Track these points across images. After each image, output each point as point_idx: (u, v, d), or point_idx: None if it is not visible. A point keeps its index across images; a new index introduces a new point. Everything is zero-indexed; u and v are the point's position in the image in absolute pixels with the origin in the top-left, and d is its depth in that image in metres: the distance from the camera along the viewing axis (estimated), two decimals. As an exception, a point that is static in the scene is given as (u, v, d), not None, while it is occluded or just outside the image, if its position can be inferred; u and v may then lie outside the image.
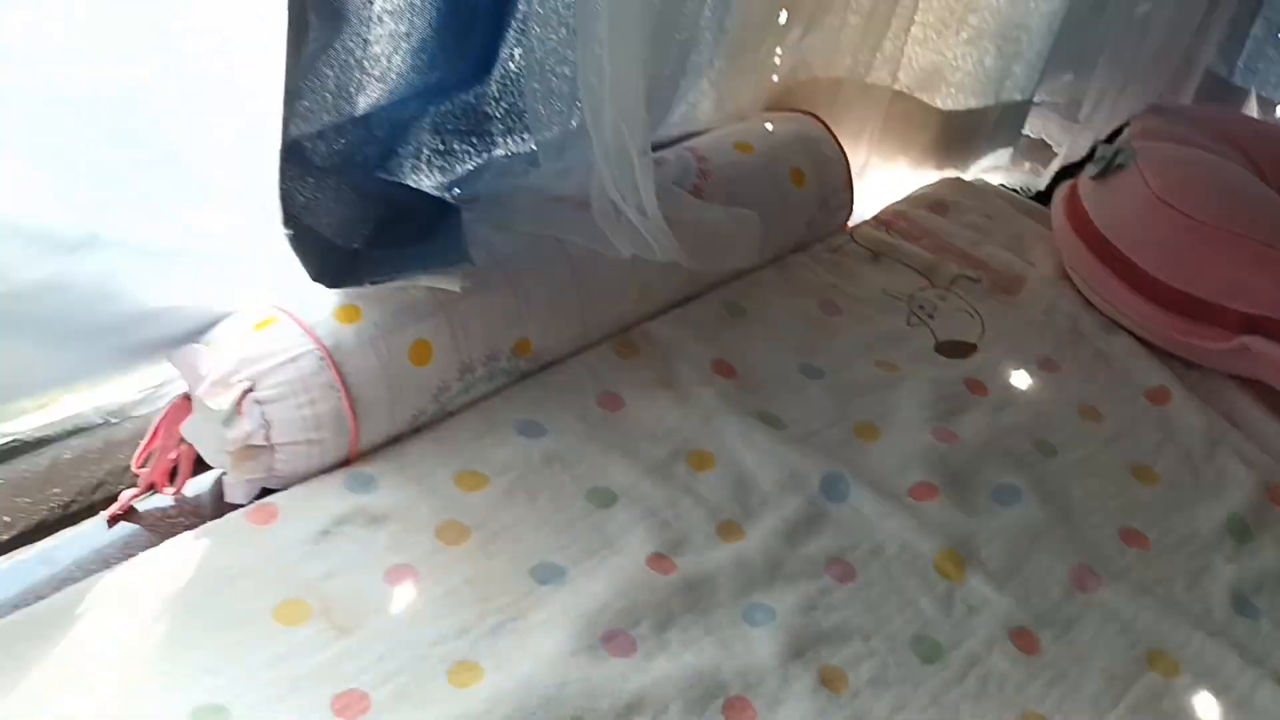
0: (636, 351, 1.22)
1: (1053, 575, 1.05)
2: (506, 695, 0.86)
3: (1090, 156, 1.52)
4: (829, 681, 0.93)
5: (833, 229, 1.49)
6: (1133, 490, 1.17)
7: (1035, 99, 1.73)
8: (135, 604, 0.89)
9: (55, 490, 1.01)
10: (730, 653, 0.93)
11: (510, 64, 1.16)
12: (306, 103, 0.98)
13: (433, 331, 1.06)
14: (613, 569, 0.98)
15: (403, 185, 1.13)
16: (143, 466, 1.02)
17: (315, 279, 1.01)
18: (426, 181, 1.19)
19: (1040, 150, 1.78)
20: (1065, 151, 1.71)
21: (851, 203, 1.50)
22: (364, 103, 1.03)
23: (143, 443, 1.02)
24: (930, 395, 1.24)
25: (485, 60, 1.15)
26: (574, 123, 1.16)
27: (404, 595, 0.93)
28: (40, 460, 1.02)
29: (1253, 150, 1.47)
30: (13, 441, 1.02)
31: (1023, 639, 0.99)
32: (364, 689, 0.86)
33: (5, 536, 0.98)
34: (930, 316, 1.36)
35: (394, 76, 1.04)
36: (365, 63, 1.01)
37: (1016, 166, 1.72)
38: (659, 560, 1.00)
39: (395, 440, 1.07)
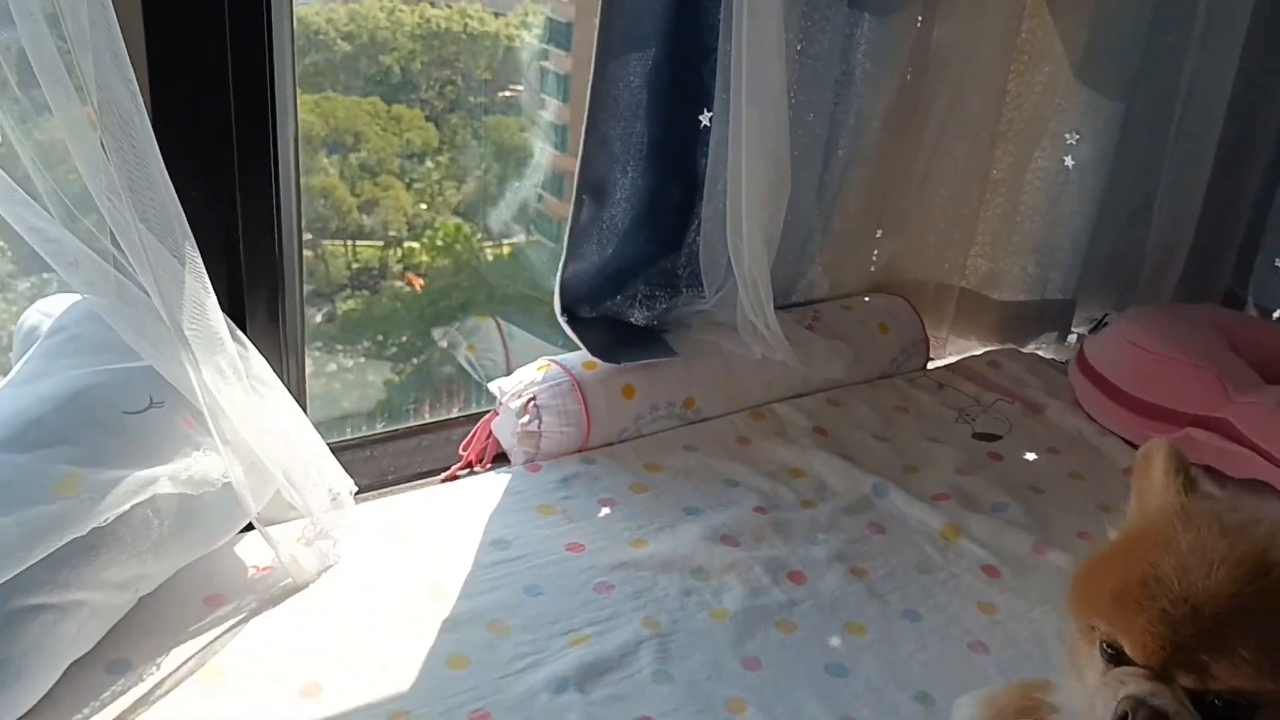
0: (764, 418, 1.91)
1: (1020, 545, 1.62)
2: (667, 551, 1.52)
3: (1099, 328, 2.15)
4: (856, 572, 1.54)
5: (911, 369, 2.16)
6: (1098, 517, 1.73)
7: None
8: (468, 498, 1.62)
9: (418, 459, 1.78)
10: (796, 554, 1.56)
11: (693, 244, 1.94)
12: (580, 249, 1.78)
13: (636, 381, 1.79)
14: (732, 512, 1.64)
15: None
16: (465, 449, 1.78)
17: (591, 354, 1.77)
18: (638, 315, 1.96)
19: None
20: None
21: (926, 354, 2.17)
22: (609, 253, 1.82)
23: (468, 436, 1.79)
24: (961, 458, 1.85)
25: (677, 240, 1.93)
26: (727, 275, 1.91)
27: (607, 510, 1.62)
28: (414, 441, 1.80)
29: (1225, 326, 2.06)
30: (412, 426, 1.82)
31: (989, 570, 1.57)
32: (582, 543, 1.54)
33: (390, 477, 1.75)
34: (972, 420, 1.99)
35: (622, 238, 1.83)
36: (609, 228, 1.80)
37: (1065, 347, 2.34)
38: (760, 511, 1.65)
39: (607, 444, 1.79)
